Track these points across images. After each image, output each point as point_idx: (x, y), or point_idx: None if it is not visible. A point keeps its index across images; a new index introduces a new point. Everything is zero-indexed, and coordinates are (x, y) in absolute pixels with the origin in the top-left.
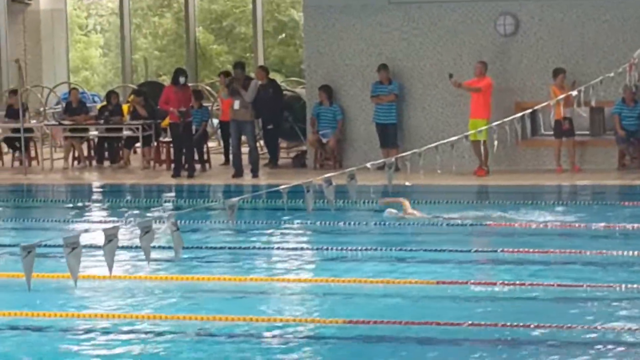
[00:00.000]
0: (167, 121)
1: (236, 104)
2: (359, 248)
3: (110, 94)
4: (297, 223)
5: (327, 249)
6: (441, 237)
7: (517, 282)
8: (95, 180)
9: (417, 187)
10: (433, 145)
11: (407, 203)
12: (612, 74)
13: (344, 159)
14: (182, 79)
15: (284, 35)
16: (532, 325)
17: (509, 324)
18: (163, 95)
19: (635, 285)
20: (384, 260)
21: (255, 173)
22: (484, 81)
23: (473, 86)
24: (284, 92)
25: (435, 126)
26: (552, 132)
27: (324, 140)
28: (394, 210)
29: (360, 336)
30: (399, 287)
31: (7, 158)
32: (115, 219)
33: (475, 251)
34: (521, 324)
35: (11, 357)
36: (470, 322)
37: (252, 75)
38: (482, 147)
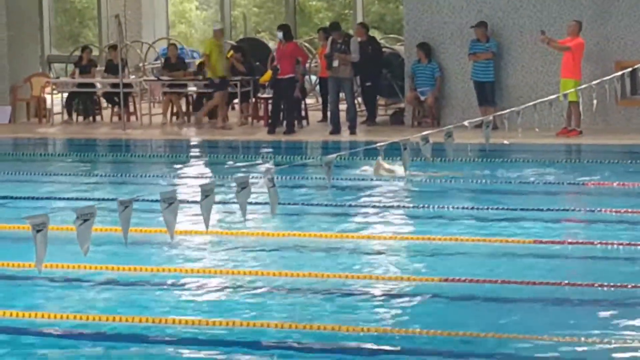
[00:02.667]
0: (265, 77)
1: (335, 62)
2: (455, 206)
3: None
4: (392, 181)
5: (422, 207)
6: (536, 196)
7: (616, 242)
8: (192, 135)
9: (515, 146)
10: (531, 103)
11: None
12: None
13: (441, 116)
14: (279, 34)
15: None
16: (629, 286)
17: (606, 284)
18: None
19: None
20: (479, 218)
21: (352, 130)
22: (575, 41)
23: (563, 45)
24: (383, 50)
25: (533, 84)
26: None
27: (422, 98)
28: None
29: (456, 295)
30: (494, 245)
31: (106, 113)
32: (212, 174)
33: (572, 210)
34: (619, 284)
35: (111, 311)
36: (567, 282)
37: (352, 32)
38: (573, 108)
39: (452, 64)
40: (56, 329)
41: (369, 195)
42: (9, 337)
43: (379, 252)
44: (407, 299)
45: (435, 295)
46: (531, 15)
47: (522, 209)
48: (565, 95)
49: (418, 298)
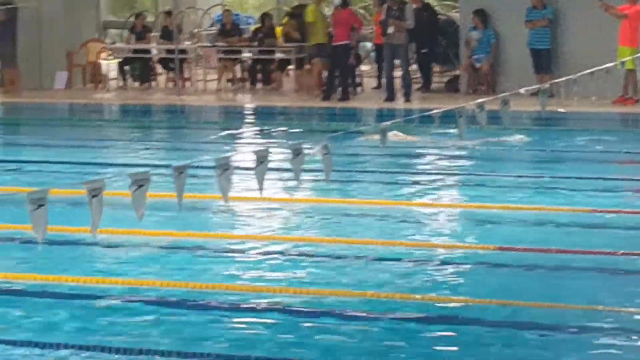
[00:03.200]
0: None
1: (390, 28)
2: (510, 174)
3: (264, 17)
4: (449, 148)
5: (477, 174)
6: (592, 165)
7: None
8: (247, 102)
9: (571, 114)
10: (587, 71)
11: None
12: None
13: (497, 84)
14: (336, 0)
15: None
16: None
17: None
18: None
19: None
20: (534, 187)
21: (407, 97)
22: (634, 8)
23: (621, 12)
24: (438, 17)
25: (590, 52)
26: None
27: (477, 65)
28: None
29: (511, 264)
30: (550, 214)
31: (162, 78)
32: (266, 140)
33: (629, 179)
34: None
35: (166, 276)
36: (622, 252)
37: None
38: (629, 76)
39: (507, 31)
40: (112, 295)
41: (424, 163)
42: (66, 302)
43: (433, 220)
44: (461, 267)
45: (490, 264)
46: None
47: (578, 178)
48: (622, 63)
49: (473, 266)
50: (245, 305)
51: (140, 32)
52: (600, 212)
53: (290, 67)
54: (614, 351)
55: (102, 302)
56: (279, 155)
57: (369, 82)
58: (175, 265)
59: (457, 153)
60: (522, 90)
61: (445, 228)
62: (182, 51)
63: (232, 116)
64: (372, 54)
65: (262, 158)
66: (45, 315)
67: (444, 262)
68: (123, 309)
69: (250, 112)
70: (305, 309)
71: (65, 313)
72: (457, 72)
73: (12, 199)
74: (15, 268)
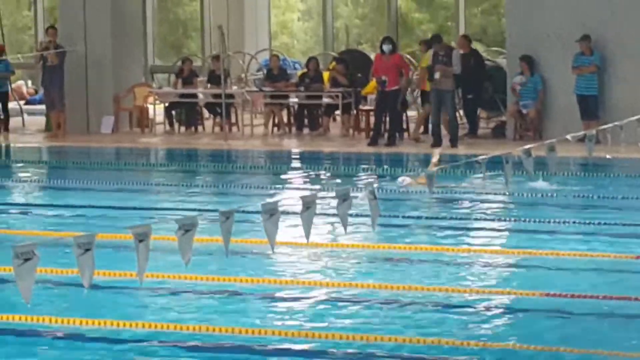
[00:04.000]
0: (367, 89)
1: (437, 74)
2: (555, 220)
3: (311, 61)
4: (495, 194)
5: (524, 220)
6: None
7: None
8: (294, 147)
9: (617, 160)
10: (634, 118)
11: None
12: None
13: (543, 130)
14: (385, 47)
15: (486, 4)
16: None
17: None
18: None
19: None
20: (580, 233)
21: (454, 143)
22: None
23: None
24: (485, 62)
25: (637, 99)
26: None
27: (524, 111)
28: (408, 179)
29: (557, 309)
30: (595, 260)
31: (208, 123)
32: (313, 186)
33: None
34: None
35: (211, 321)
36: None
37: (454, 44)
38: None
39: (554, 77)
40: (158, 340)
41: (470, 208)
42: (111, 345)
43: (480, 265)
44: (507, 312)
45: (536, 310)
46: (635, 26)
47: (624, 224)
48: None
49: (518, 313)
50: (295, 347)
51: (188, 77)
52: None
53: (338, 112)
54: None
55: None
56: (325, 201)
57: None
58: (222, 310)
59: (502, 198)
60: (568, 137)
61: (489, 273)
62: (229, 96)
63: (279, 161)
64: (419, 100)
65: (308, 203)
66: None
67: (489, 308)
68: (167, 355)
69: (297, 156)
70: (344, 353)
71: (109, 357)
72: (504, 118)
73: (59, 243)
74: (62, 312)
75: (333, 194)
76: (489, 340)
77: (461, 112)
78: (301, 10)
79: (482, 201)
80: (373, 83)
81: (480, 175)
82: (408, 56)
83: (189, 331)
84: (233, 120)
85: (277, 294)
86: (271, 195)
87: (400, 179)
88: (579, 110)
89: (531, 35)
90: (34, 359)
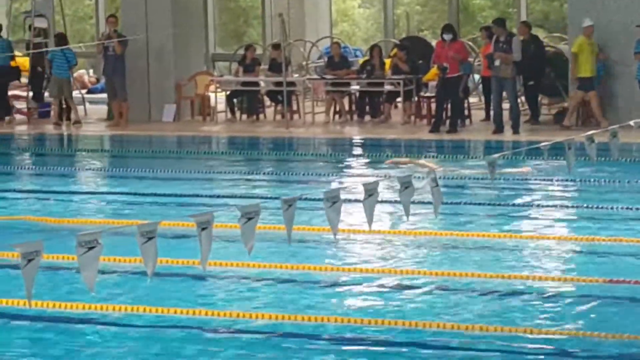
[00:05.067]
0: (428, 76)
1: (497, 61)
2: (619, 207)
3: (373, 49)
4: (557, 180)
5: (587, 207)
6: None
7: None
8: (355, 134)
9: None
10: None
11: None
12: None
13: (605, 116)
14: (445, 36)
15: None
16: None
17: None
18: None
19: None
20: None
21: (515, 129)
22: None
23: None
24: (546, 48)
25: None
26: None
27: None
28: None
29: (621, 296)
30: None
31: (270, 111)
32: (375, 173)
33: None
34: None
35: (280, 309)
36: None
37: (515, 30)
38: None
39: (616, 63)
40: (220, 326)
41: (532, 195)
42: (184, 332)
43: (542, 252)
44: (570, 299)
45: (599, 297)
46: None
47: None
48: None
49: (582, 299)
50: (355, 337)
51: (249, 65)
52: None
53: (399, 99)
54: None
55: (209, 334)
56: (387, 188)
57: (478, 114)
58: (285, 298)
59: (564, 185)
60: (631, 122)
61: (552, 260)
62: (290, 84)
63: (340, 148)
64: (480, 87)
65: (370, 190)
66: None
67: (552, 295)
68: (231, 341)
69: (359, 144)
70: (407, 340)
71: (181, 343)
72: (566, 104)
73: (122, 231)
74: (125, 301)
75: (395, 181)
76: (553, 327)
77: (522, 98)
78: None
79: (544, 188)
80: (434, 70)
81: (542, 161)
82: (469, 43)
83: (254, 319)
84: (294, 108)
85: (340, 281)
86: (334, 183)
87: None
88: None
89: (593, 21)
90: (96, 347)
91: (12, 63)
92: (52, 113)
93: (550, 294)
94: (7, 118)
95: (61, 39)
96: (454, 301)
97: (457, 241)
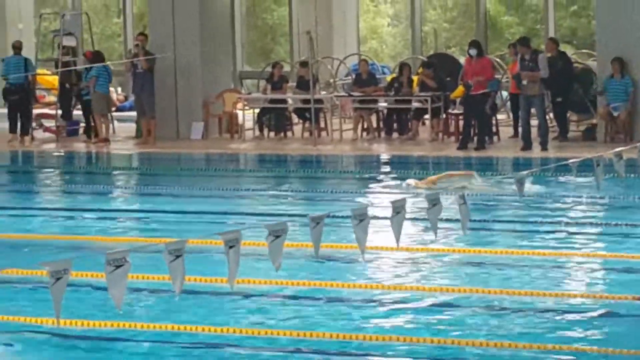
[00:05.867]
0: (456, 93)
1: (524, 81)
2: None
3: (404, 67)
4: (586, 197)
5: (615, 224)
6: None
7: None
8: (383, 151)
9: None
10: None
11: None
12: None
13: (635, 132)
14: (471, 52)
15: (576, 6)
16: None
17: None
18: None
19: None
20: None
21: (544, 146)
22: None
23: None
24: (574, 65)
25: None
26: None
27: (615, 114)
28: (412, 182)
29: None
30: None
31: (297, 128)
32: (402, 190)
33: None
34: None
35: (307, 327)
36: None
37: (542, 47)
38: None
39: None
40: (247, 345)
41: (560, 211)
42: (203, 351)
43: (571, 269)
44: (602, 317)
45: (630, 316)
46: None
47: None
48: None
49: (611, 317)
50: (386, 354)
51: (277, 82)
52: None
53: (427, 116)
54: None
55: (236, 350)
56: (415, 205)
57: (506, 131)
58: (311, 314)
59: (593, 202)
60: None
61: (581, 277)
62: (318, 101)
63: (368, 165)
64: (508, 103)
65: (398, 208)
66: None
67: (579, 312)
68: (253, 357)
69: (386, 161)
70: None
71: None
72: (594, 121)
73: (150, 249)
74: (153, 319)
75: (422, 198)
76: (583, 344)
77: (551, 115)
78: (390, 15)
79: (573, 204)
80: (462, 87)
81: (571, 178)
82: (497, 59)
83: (280, 336)
84: (322, 125)
85: (368, 298)
86: (361, 200)
87: (405, 183)
88: None
89: (621, 37)
90: None
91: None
92: (80, 131)
93: (579, 310)
94: (28, 136)
95: (100, 57)
96: (482, 318)
97: (485, 258)
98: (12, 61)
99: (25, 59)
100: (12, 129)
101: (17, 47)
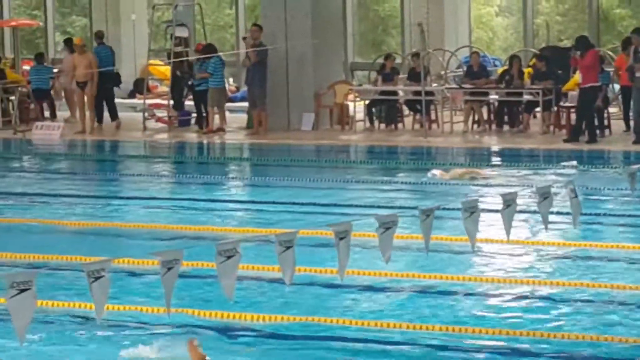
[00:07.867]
0: (568, 85)
1: (638, 73)
2: None
3: (512, 58)
4: None
5: None
6: None
7: None
8: (494, 144)
9: None
10: None
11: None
12: None
13: None
14: (575, 51)
15: None
16: None
17: None
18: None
19: None
20: None
21: None
22: None
23: None
24: None
25: None
26: None
27: None
28: (437, 172)
29: None
30: None
31: (408, 120)
32: (513, 183)
33: None
34: None
35: (424, 319)
36: None
37: None
38: None
39: None
40: (357, 337)
41: None
42: (314, 342)
43: None
44: None
45: None
46: None
47: None
48: None
49: None
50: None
51: (388, 74)
52: None
53: (538, 109)
54: None
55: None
56: (526, 198)
57: (619, 125)
58: (424, 307)
59: None
60: None
61: None
62: (429, 93)
63: (479, 158)
64: (620, 97)
65: (509, 201)
66: None
67: None
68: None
69: (497, 153)
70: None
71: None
72: None
73: (260, 240)
74: (262, 309)
75: (533, 191)
76: None
77: None
78: (500, 6)
79: None
80: (574, 80)
81: None
82: (609, 52)
83: (391, 328)
84: (433, 117)
85: (477, 292)
86: (472, 193)
87: (430, 173)
88: None
89: None
90: (237, 357)
91: None
92: (192, 121)
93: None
94: (115, 122)
95: (212, 50)
96: (592, 312)
97: (596, 252)
98: (102, 52)
99: (110, 48)
100: (99, 119)
101: (100, 37)
